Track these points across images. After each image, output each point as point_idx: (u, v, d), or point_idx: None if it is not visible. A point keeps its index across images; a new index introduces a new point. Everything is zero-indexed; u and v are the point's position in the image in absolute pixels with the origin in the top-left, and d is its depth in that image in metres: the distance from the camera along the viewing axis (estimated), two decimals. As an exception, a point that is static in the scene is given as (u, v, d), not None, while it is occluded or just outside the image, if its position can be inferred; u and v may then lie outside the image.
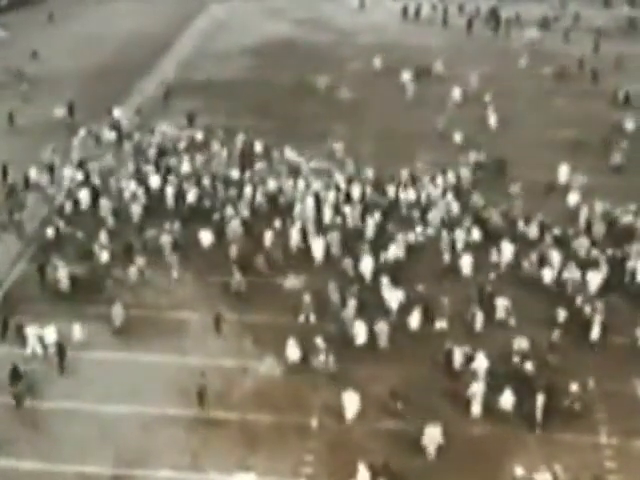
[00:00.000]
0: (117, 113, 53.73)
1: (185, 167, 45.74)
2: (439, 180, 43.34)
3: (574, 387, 28.91)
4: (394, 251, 37.43)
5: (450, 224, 39.65)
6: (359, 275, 36.51)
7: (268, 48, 70.84)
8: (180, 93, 59.54)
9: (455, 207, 41.12)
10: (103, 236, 38.92)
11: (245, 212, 41.12)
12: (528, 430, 28.49)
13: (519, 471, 26.78)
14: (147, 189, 43.51)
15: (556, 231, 38.66)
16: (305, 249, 38.83)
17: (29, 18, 78.30)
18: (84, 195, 42.68)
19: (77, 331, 32.89)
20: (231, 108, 55.65)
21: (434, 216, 40.15)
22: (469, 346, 31.40)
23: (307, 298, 34.46)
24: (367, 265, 36.58)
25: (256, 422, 29.04)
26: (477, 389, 29.33)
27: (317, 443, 28.14)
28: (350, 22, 77.96)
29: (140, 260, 37.42)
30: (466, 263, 36.82)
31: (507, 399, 29.45)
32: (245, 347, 32.84)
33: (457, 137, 49.79)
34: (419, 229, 39.33)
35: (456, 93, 56.37)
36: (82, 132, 50.94)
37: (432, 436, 27.01)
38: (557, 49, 68.13)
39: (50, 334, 32.33)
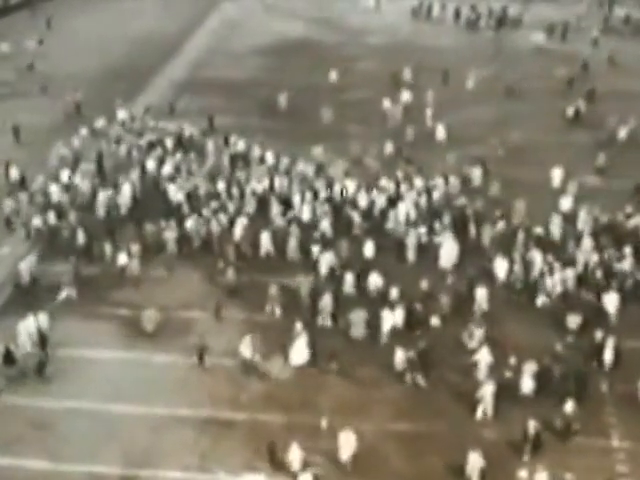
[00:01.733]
0: (122, 114, 53.70)
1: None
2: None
3: (569, 407, 27.99)
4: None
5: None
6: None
7: (280, 48, 70.88)
8: (191, 93, 59.57)
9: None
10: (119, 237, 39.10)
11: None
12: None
13: (523, 474, 26.50)
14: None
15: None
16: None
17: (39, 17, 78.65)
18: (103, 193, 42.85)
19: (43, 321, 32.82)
20: (242, 108, 55.54)
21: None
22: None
23: (273, 289, 34.74)
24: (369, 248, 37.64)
25: (265, 423, 28.88)
26: (487, 390, 29.10)
27: (327, 444, 27.93)
28: (362, 22, 77.93)
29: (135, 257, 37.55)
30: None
31: (527, 383, 29.60)
32: (255, 347, 32.68)
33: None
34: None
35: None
36: (83, 131, 50.97)
37: (474, 462, 26.52)
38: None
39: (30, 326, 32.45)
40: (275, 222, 40.26)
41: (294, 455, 26.87)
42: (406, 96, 54.62)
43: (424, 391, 30.20)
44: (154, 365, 31.84)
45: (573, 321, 32.89)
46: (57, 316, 34.01)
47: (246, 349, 31.59)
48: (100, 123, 52.95)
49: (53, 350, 32.14)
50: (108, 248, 38.12)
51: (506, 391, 29.48)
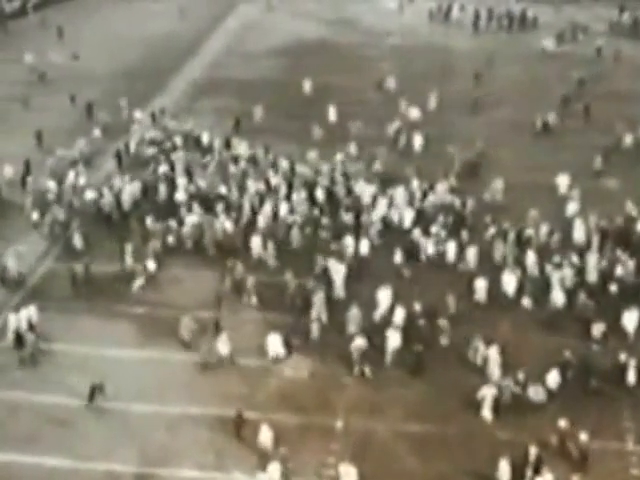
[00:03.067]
0: (139, 115, 53.85)
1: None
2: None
3: (583, 436, 27.32)
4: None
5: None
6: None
7: (297, 49, 70.87)
8: (208, 93, 59.65)
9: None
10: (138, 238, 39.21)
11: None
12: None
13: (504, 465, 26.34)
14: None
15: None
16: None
17: (61, 16, 78.84)
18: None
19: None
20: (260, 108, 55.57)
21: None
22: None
23: (251, 280, 35.27)
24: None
25: (280, 422, 28.89)
26: (487, 392, 29.13)
27: (342, 445, 28.04)
28: (380, 23, 77.82)
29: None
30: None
31: (553, 378, 29.73)
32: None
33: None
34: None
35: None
36: (96, 132, 51.16)
37: (504, 470, 26.34)
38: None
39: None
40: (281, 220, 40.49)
41: (265, 436, 27.31)
42: (415, 113, 53.55)
43: (438, 393, 30.20)
44: (170, 364, 31.98)
45: (597, 329, 32.67)
46: (77, 313, 34.37)
47: (224, 346, 31.87)
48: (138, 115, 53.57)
49: (71, 347, 32.47)
50: (129, 247, 38.18)
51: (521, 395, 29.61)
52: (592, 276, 35.86)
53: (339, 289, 35.36)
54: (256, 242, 38.28)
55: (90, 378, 30.62)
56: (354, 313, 33.09)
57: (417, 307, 33.26)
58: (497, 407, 29.16)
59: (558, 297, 34.38)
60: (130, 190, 42.98)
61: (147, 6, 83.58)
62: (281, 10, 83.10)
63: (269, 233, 39.23)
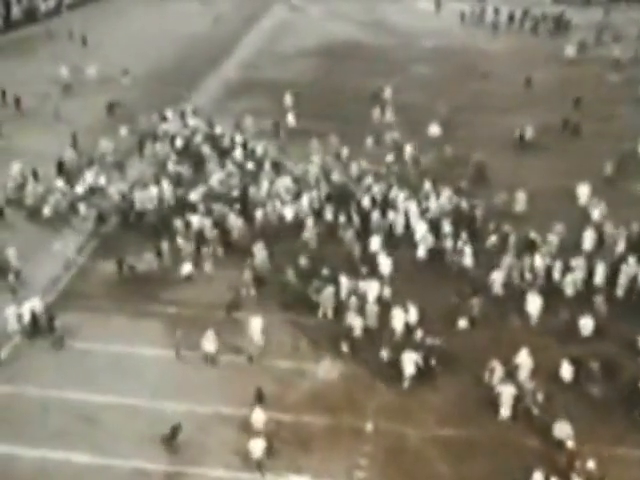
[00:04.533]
0: (169, 114, 53.97)
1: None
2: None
3: (591, 464, 26.65)
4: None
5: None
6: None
7: (331, 50, 70.80)
8: (242, 94, 59.70)
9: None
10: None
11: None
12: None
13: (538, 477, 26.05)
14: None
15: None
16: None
17: (93, 16, 79.37)
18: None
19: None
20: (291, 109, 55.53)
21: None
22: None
23: (247, 274, 35.85)
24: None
25: (311, 424, 28.84)
26: (506, 389, 29.04)
27: (372, 447, 27.88)
28: (414, 25, 77.61)
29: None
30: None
31: (566, 370, 29.82)
32: (301, 348, 32.69)
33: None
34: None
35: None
36: (123, 131, 51.34)
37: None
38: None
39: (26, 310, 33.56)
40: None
41: (257, 417, 27.79)
42: (434, 130, 52.04)
43: (468, 398, 29.92)
44: (201, 363, 31.90)
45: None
46: (110, 312, 34.61)
47: (209, 344, 31.93)
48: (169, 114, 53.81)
49: (103, 346, 32.68)
50: (165, 245, 38.43)
51: (551, 399, 29.33)
52: (599, 280, 35.77)
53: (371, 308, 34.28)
54: (259, 247, 38.04)
55: (121, 376, 30.84)
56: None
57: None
58: (516, 409, 29.01)
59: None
60: (155, 190, 43.11)
61: (180, 7, 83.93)
62: (314, 11, 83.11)
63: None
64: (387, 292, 34.52)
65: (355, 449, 27.75)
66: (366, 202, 41.34)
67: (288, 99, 55.81)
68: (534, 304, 33.77)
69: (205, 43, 72.77)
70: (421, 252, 38.30)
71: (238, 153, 47.62)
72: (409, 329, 32.58)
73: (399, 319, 32.73)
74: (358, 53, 69.96)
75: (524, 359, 30.36)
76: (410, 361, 30.43)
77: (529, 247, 37.58)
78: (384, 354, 31.32)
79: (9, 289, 35.74)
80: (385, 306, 33.64)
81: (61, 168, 46.25)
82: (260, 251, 37.72)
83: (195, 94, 60.25)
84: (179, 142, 49.58)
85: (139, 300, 35.69)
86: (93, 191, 43.95)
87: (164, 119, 53.25)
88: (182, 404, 29.77)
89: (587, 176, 43.88)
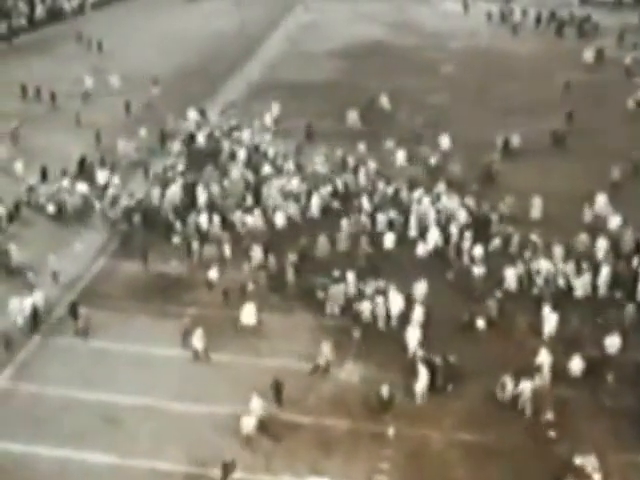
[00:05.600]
0: (192, 114, 54.03)
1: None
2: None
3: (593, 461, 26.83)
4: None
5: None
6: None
7: (356, 51, 70.59)
8: (266, 94, 59.67)
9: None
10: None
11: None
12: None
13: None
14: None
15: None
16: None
17: (116, 16, 79.67)
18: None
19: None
20: (316, 111, 55.35)
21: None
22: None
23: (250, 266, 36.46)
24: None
25: (332, 427, 28.69)
26: (525, 388, 29.02)
27: (393, 451, 27.68)
28: (441, 26, 77.33)
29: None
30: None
31: (576, 364, 29.85)
32: (322, 351, 32.50)
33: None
34: None
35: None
36: (142, 132, 51.34)
37: None
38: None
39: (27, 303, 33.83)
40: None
41: (255, 404, 28.10)
42: (445, 142, 50.48)
43: (489, 402, 29.64)
44: (221, 365, 31.85)
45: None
46: (131, 312, 34.66)
47: (198, 341, 31.96)
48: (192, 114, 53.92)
49: (124, 346, 32.69)
50: (195, 245, 38.55)
51: (579, 403, 29.05)
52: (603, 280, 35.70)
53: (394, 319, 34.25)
54: (257, 251, 37.96)
55: (141, 377, 30.85)
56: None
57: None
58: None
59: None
60: (174, 191, 43.18)
61: (206, 7, 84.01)
62: (340, 12, 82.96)
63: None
64: (419, 313, 33.52)
65: (376, 453, 27.56)
66: (373, 202, 41.73)
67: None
68: (550, 322, 32.99)
69: (230, 43, 72.77)
70: (421, 250, 38.34)
71: (242, 153, 47.82)
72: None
73: (413, 337, 32.08)
74: (384, 54, 69.63)
75: (544, 358, 30.31)
76: (422, 377, 29.92)
77: (531, 250, 37.37)
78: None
79: (28, 287, 35.71)
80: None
81: (82, 166, 46.45)
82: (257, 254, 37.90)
83: (219, 94, 60.29)
84: (201, 138, 49.94)
85: (160, 301, 35.69)
86: (107, 191, 43.92)
87: (203, 114, 53.84)
88: (202, 405, 29.70)
89: (595, 181, 43.75)
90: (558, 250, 37.00)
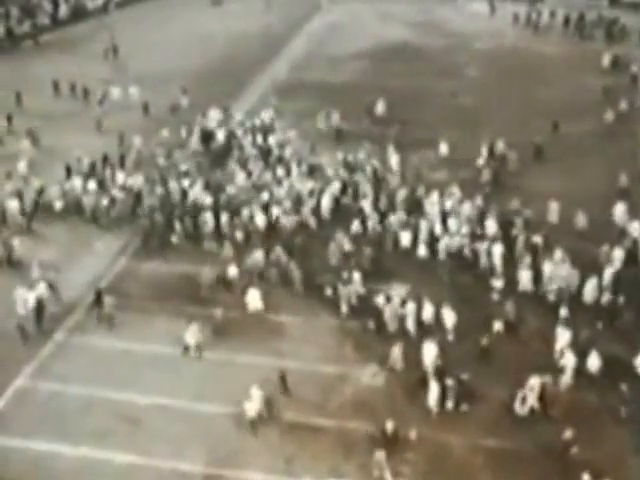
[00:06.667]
0: (213, 113, 54.05)
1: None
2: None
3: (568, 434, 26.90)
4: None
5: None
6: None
7: (382, 52, 70.37)
8: (291, 95, 59.57)
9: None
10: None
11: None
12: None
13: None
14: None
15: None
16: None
17: (140, 15, 79.90)
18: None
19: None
20: (341, 111, 55.10)
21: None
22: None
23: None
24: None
25: (353, 430, 28.44)
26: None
27: (414, 455, 27.40)
28: (465, 27, 76.98)
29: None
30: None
31: (594, 361, 29.72)
32: (345, 353, 32.31)
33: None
34: None
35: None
36: (164, 132, 51.34)
37: None
38: None
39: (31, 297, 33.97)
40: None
41: (255, 394, 28.36)
42: (443, 149, 49.44)
43: (513, 407, 29.21)
44: (242, 366, 31.61)
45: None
46: (151, 312, 34.54)
47: (190, 337, 32.01)
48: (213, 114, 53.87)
49: (145, 346, 32.60)
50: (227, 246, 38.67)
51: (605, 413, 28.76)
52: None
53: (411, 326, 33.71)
54: (258, 255, 37.60)
55: (162, 377, 30.79)
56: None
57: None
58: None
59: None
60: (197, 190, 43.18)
61: (232, 7, 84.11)
62: (366, 12, 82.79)
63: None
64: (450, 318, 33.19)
65: (397, 456, 27.26)
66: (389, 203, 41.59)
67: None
68: (563, 338, 31.84)
69: (255, 43, 72.82)
70: (422, 251, 38.05)
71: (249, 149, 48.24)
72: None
73: (429, 354, 31.23)
74: (409, 55, 69.45)
75: (569, 360, 30.18)
76: (433, 393, 29.30)
77: (532, 252, 37.02)
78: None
79: (48, 285, 35.65)
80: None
81: (104, 163, 46.82)
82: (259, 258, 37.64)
83: (244, 94, 60.23)
84: (221, 136, 50.18)
85: (181, 301, 35.55)
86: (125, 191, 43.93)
87: (227, 112, 54.11)
88: (222, 406, 29.51)
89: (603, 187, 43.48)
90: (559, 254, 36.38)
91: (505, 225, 39.10)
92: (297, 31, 77.75)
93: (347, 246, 38.21)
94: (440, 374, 29.83)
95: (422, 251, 38.09)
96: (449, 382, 29.31)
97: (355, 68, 66.56)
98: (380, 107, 55.38)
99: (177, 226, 40.15)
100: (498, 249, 36.97)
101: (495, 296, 34.65)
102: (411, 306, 33.22)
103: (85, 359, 32.15)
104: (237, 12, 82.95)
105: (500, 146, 48.62)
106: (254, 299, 34.39)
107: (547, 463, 26.96)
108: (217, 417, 29.09)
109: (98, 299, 34.59)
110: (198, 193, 42.56)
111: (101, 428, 28.70)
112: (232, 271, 36.57)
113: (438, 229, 38.90)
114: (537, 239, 37.58)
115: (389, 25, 78.40)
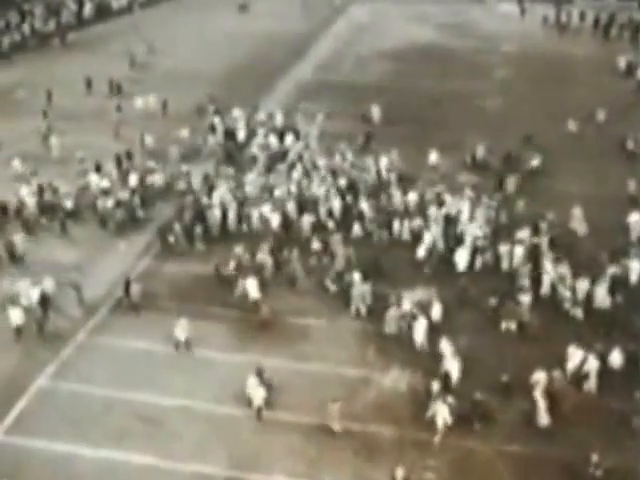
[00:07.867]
0: (237, 112, 53.92)
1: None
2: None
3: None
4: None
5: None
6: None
7: (408, 53, 70.04)
8: (316, 95, 59.34)
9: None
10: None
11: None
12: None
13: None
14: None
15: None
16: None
17: (165, 15, 79.99)
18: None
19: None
20: (364, 112, 54.76)
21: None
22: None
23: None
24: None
25: (377, 434, 28.09)
26: (540, 376, 29.01)
27: (438, 461, 27.02)
28: (496, 28, 76.53)
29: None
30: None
31: (616, 357, 29.72)
32: (369, 357, 31.97)
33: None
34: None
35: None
36: (184, 132, 51.23)
37: None
38: None
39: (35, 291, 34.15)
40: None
41: (252, 390, 28.40)
42: (433, 157, 48.24)
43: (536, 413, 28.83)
44: (265, 369, 31.33)
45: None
46: (172, 313, 34.17)
47: (181, 332, 31.98)
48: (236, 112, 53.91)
49: (165, 348, 32.41)
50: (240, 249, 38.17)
51: (624, 421, 28.34)
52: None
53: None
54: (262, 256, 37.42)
55: (183, 378, 30.64)
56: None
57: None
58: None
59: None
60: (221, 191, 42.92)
61: (258, 7, 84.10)
62: (394, 13, 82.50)
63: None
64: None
65: (420, 462, 26.91)
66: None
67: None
68: (574, 360, 30.87)
69: (281, 43, 72.71)
70: (421, 252, 37.71)
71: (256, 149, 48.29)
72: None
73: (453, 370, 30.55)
74: (437, 56, 69.09)
75: (592, 364, 29.86)
76: (441, 415, 28.15)
77: (533, 253, 36.70)
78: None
79: (71, 286, 35.59)
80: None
81: (119, 164, 47.13)
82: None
83: (270, 94, 60.06)
84: (242, 135, 50.43)
85: (202, 302, 35.31)
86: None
87: (253, 111, 54.05)
88: (244, 408, 29.21)
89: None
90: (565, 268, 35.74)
91: (531, 228, 38.65)
92: (323, 31, 77.64)
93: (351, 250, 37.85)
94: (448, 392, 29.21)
95: (421, 252, 37.72)
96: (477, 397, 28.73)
97: (382, 69, 66.27)
98: (376, 113, 54.67)
99: (198, 230, 39.81)
100: (520, 251, 36.60)
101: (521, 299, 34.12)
102: (422, 321, 32.50)
103: (106, 360, 31.97)
104: (262, 12, 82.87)
105: (480, 152, 47.93)
106: (252, 289, 34.49)
107: (573, 469, 26.48)
108: (239, 419, 28.81)
109: (127, 289, 34.88)
110: (223, 193, 42.30)
111: (122, 429, 28.52)
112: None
113: (458, 231, 38.71)
114: (537, 240, 37.46)
115: (417, 26, 78.17)
